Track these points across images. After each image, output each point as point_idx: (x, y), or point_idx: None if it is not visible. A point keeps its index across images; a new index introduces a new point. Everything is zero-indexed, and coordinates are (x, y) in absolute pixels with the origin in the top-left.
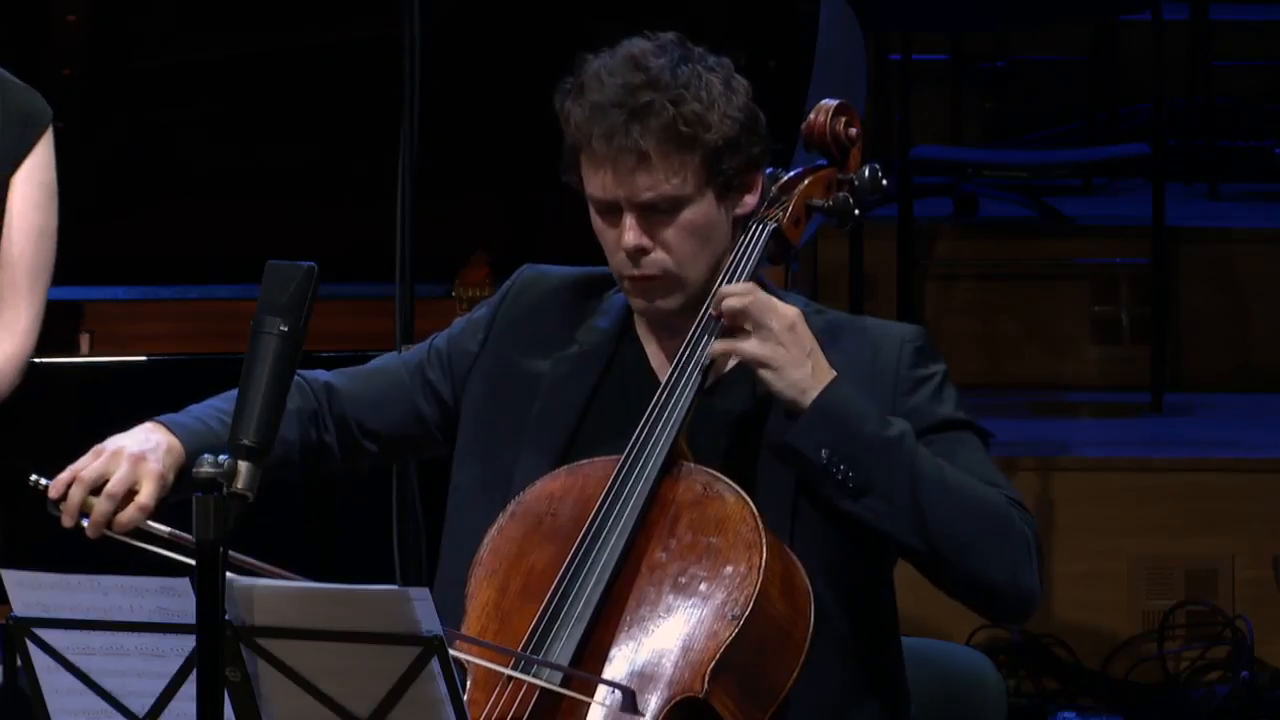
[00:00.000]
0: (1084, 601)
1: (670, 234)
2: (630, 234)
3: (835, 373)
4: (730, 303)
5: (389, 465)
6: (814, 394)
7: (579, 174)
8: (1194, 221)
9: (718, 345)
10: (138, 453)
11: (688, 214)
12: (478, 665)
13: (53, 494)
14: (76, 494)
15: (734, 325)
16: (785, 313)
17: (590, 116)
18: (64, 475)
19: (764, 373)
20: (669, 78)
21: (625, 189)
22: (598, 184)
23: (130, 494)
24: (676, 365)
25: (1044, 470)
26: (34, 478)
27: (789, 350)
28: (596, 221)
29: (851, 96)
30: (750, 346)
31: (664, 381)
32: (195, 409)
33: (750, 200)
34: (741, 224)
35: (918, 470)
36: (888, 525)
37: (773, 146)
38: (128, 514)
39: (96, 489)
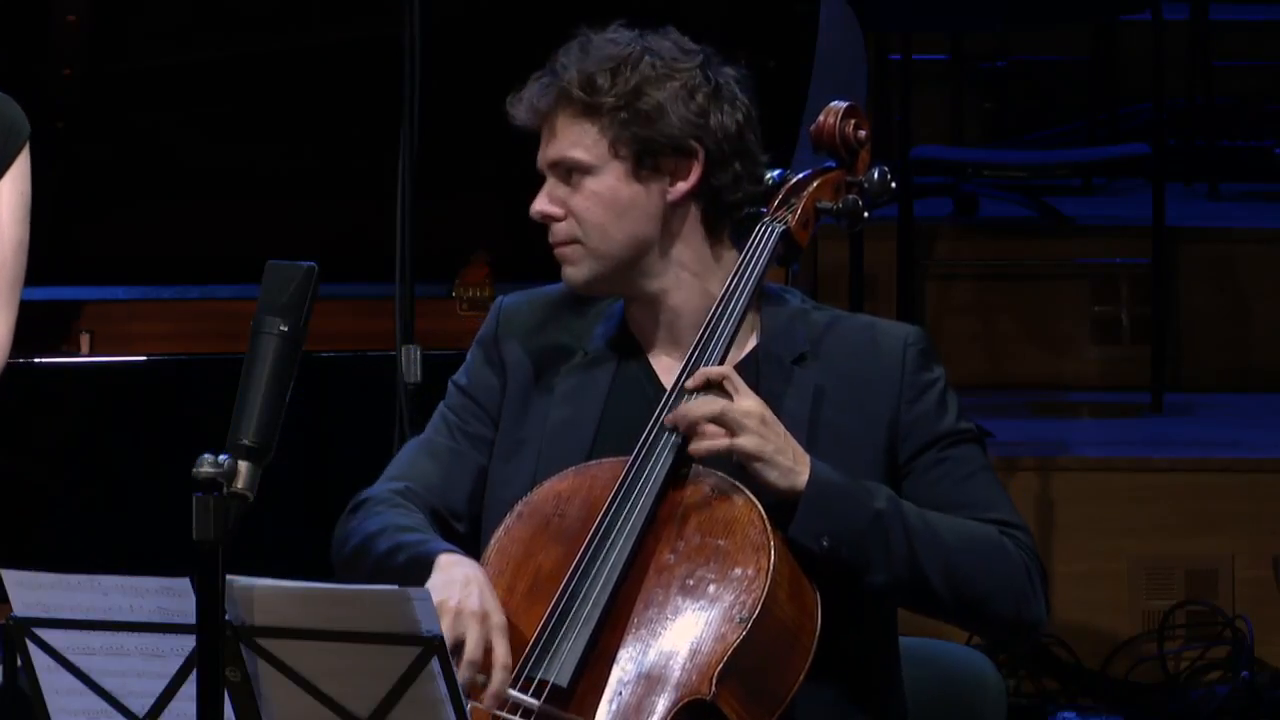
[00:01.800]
0: (1084, 601)
1: (576, 201)
2: (537, 200)
3: (808, 454)
4: (704, 409)
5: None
6: (803, 478)
7: None
8: (1194, 221)
9: (721, 444)
10: (479, 610)
11: (591, 183)
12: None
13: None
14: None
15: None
16: (753, 408)
17: (524, 88)
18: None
19: (757, 466)
20: (595, 50)
21: (541, 153)
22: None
23: (487, 652)
24: (686, 366)
25: (1044, 470)
26: None
27: (770, 440)
28: None
29: (851, 97)
30: (743, 443)
31: (671, 384)
32: (414, 519)
33: (683, 186)
34: (689, 211)
35: (911, 535)
36: (891, 593)
37: (730, 144)
38: (495, 682)
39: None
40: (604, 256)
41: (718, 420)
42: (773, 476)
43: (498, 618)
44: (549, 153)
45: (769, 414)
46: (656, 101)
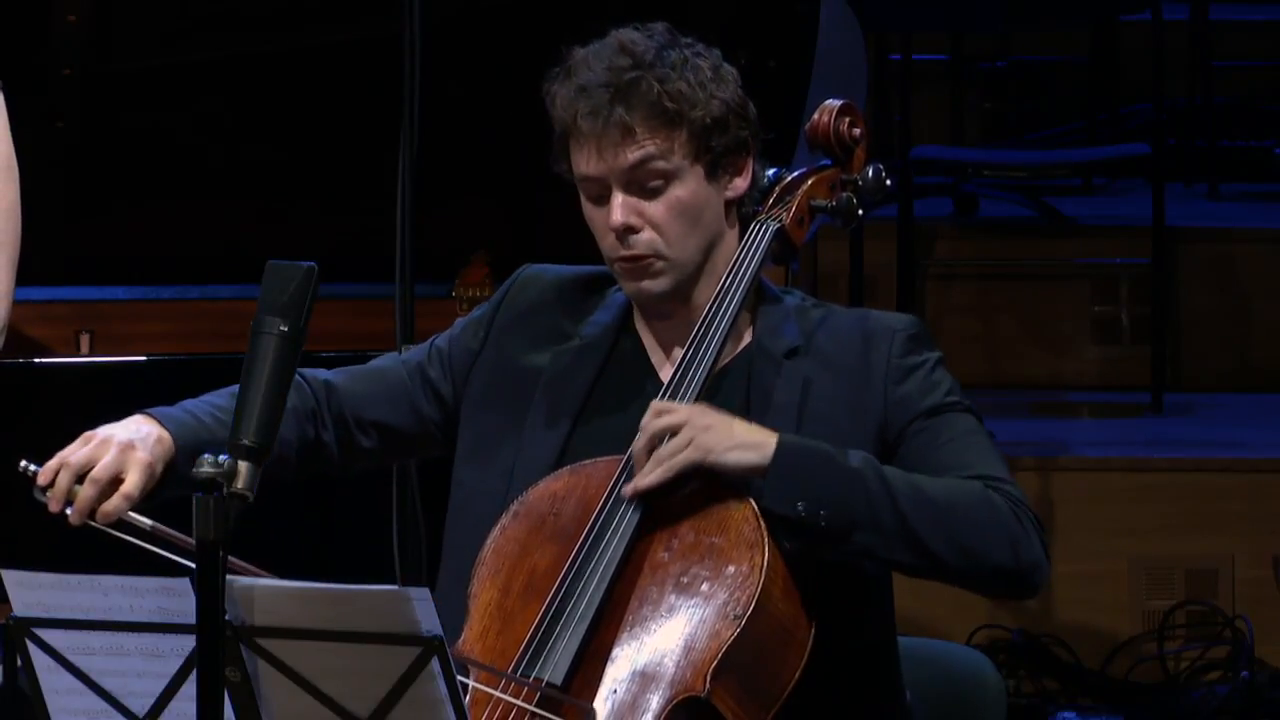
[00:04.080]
0: (1084, 601)
1: (658, 212)
2: (618, 211)
3: (769, 430)
4: (646, 460)
5: (386, 466)
6: (769, 449)
7: (569, 162)
8: (1194, 221)
9: (675, 464)
10: (126, 441)
11: (675, 191)
12: (479, 669)
13: (41, 480)
14: (64, 479)
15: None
16: (678, 419)
17: (576, 96)
18: (52, 462)
19: (710, 460)
20: (654, 58)
21: (610, 162)
22: (584, 161)
23: (116, 482)
24: (680, 364)
25: (1044, 470)
26: (24, 464)
27: (709, 432)
28: (588, 209)
29: (852, 96)
30: (684, 456)
31: (666, 382)
32: (188, 403)
33: (740, 184)
34: (734, 209)
35: (892, 490)
36: (883, 553)
37: (764, 135)
38: (112, 503)
39: (83, 476)
40: (685, 265)
41: (660, 457)
42: (730, 461)
43: (142, 455)
44: (627, 158)
45: (704, 412)
46: (724, 103)
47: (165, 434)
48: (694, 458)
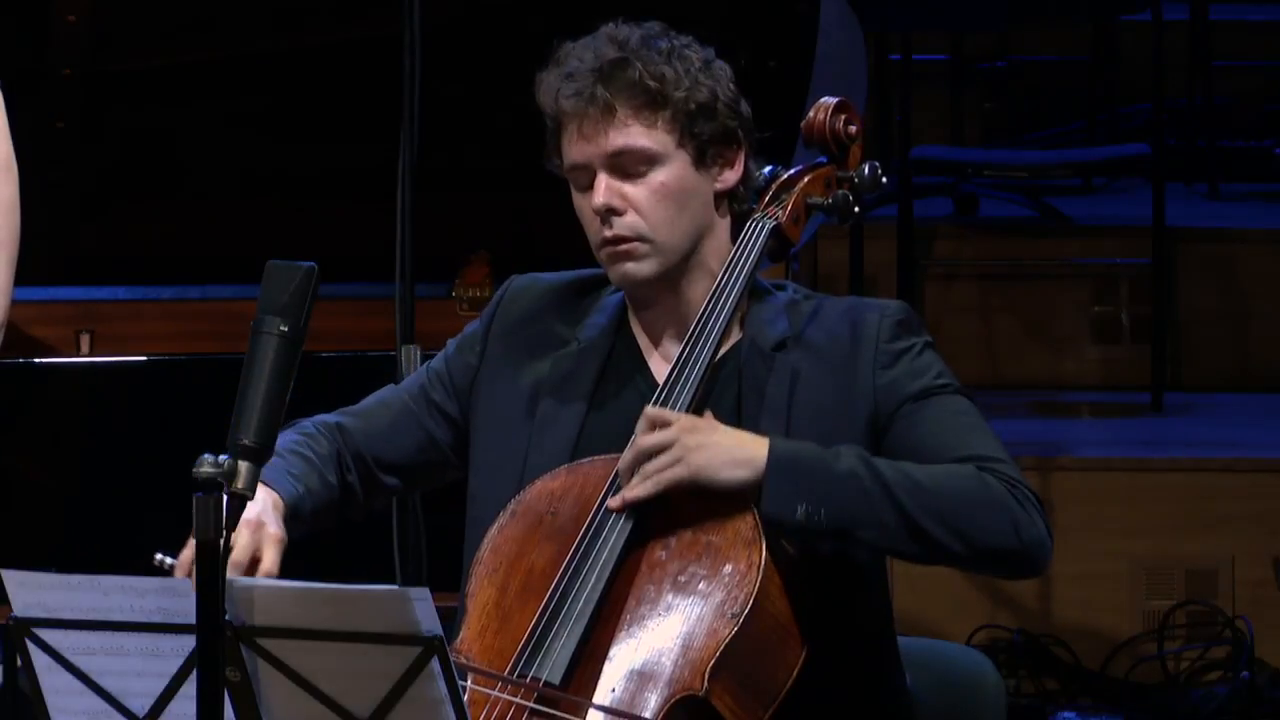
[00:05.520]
0: (1084, 601)
1: (642, 195)
2: (600, 193)
3: (771, 437)
4: (635, 475)
5: (411, 496)
6: (761, 461)
7: (560, 156)
8: (1194, 221)
9: (664, 479)
10: (255, 519)
11: (659, 174)
12: (477, 673)
13: (179, 575)
14: None
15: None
16: (671, 416)
17: (562, 81)
18: (186, 554)
19: (702, 479)
20: (640, 44)
21: (594, 144)
22: (569, 144)
23: (254, 563)
24: (676, 363)
25: (1044, 470)
26: (159, 557)
27: (699, 451)
28: (576, 199)
29: (852, 97)
30: (672, 474)
31: (663, 381)
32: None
33: (731, 176)
34: (725, 202)
35: (888, 484)
36: (887, 546)
37: (760, 134)
38: None
39: None
40: (669, 251)
41: (647, 472)
42: (727, 477)
43: (273, 530)
44: (611, 142)
45: (686, 418)
46: (711, 91)
47: (278, 497)
48: (683, 475)
